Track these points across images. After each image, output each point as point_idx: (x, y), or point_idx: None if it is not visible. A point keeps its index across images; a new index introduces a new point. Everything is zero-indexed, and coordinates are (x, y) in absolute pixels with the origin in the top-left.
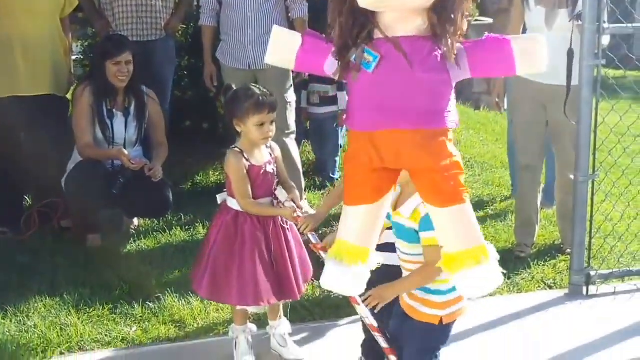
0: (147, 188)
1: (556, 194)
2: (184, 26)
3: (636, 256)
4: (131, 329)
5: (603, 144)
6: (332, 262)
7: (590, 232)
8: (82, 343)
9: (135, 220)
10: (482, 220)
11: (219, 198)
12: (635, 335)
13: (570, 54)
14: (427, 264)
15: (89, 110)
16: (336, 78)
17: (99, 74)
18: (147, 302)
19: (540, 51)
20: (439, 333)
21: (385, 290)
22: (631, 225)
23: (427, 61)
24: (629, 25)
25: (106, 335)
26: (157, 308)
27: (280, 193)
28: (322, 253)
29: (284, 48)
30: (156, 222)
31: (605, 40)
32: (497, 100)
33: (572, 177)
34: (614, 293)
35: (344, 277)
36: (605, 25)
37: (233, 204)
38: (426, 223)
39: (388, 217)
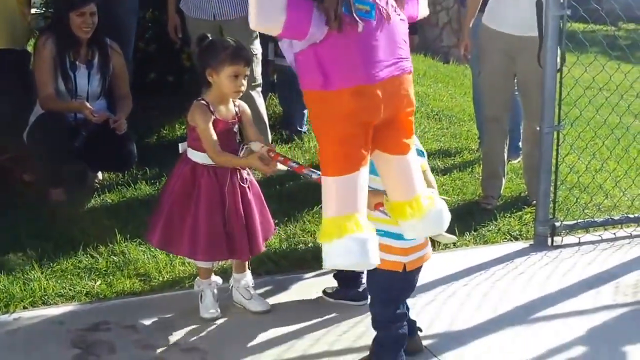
0: (110, 141)
1: (522, 145)
2: None
3: (601, 207)
4: (95, 283)
5: (568, 96)
6: (352, 239)
7: (556, 183)
8: (46, 297)
9: (99, 174)
10: (449, 172)
11: (181, 147)
12: (599, 285)
13: (539, 4)
14: None
15: (51, 62)
16: (319, 39)
17: (62, 26)
18: (112, 256)
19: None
20: (403, 281)
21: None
22: (596, 177)
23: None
24: None
25: (70, 290)
26: (121, 262)
27: (254, 144)
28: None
29: (271, 9)
30: (120, 175)
31: None
32: (464, 52)
33: (538, 128)
34: (579, 244)
35: (371, 249)
36: None
37: (193, 155)
38: None
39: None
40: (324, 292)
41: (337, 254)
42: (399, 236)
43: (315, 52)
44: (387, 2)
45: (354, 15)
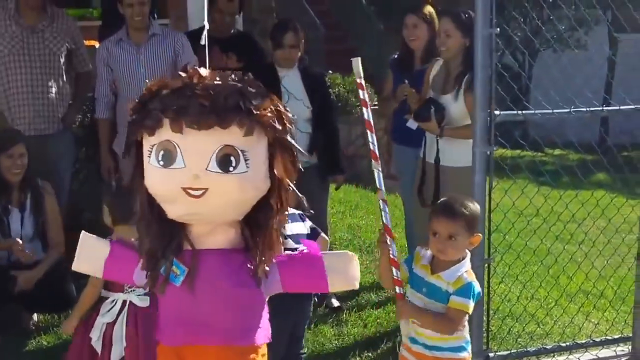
0: (46, 282)
1: None
2: (80, 116)
3: (533, 336)
4: None
5: (497, 229)
6: None
7: (488, 314)
8: None
9: (35, 316)
10: (383, 306)
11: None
12: None
13: None
14: (449, 319)
15: None
16: (146, 290)
17: None
18: None
19: (352, 268)
20: None
21: (408, 309)
22: (527, 306)
23: (237, 275)
24: (520, 112)
25: None
26: None
27: None
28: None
29: (92, 256)
30: (56, 316)
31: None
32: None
33: None
34: None
35: None
36: (497, 112)
37: None
38: (465, 291)
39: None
40: None
41: None
42: (462, 348)
43: None
44: (215, 269)
45: (166, 276)
